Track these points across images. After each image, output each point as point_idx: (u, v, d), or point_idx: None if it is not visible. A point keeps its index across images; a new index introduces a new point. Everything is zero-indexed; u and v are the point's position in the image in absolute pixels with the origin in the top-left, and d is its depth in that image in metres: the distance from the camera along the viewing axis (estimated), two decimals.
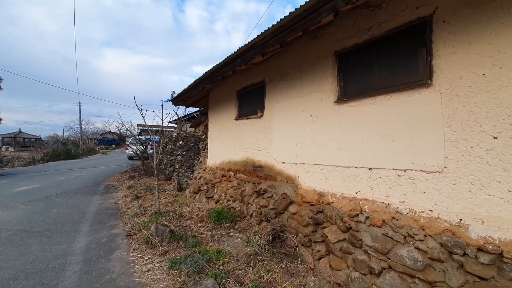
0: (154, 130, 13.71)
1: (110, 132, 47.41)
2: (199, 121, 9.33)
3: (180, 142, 9.50)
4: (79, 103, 32.38)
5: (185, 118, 14.56)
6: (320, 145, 3.42)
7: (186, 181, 7.81)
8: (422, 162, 2.35)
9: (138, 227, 4.28)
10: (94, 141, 30.96)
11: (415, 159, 2.39)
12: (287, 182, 3.95)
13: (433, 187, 2.27)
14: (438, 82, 2.27)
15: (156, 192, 5.13)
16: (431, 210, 2.27)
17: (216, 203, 5.28)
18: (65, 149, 20.75)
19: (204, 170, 6.68)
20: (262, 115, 4.59)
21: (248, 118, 5.00)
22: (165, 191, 7.25)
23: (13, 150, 24.95)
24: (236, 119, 5.38)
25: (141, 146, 11.81)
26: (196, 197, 6.26)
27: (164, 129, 13.30)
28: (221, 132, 6.02)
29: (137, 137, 12.61)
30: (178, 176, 8.80)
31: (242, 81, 5.21)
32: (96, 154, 25.02)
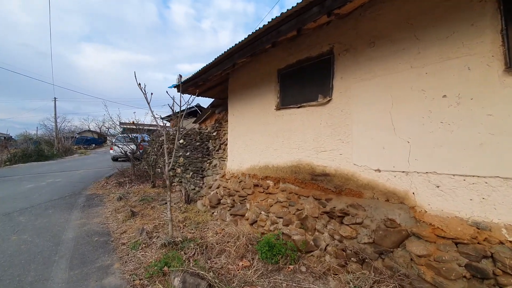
0: (145, 128, 11.90)
1: (89, 130, 44.24)
2: (208, 114, 7.74)
3: (181, 141, 7.89)
4: (55, 98, 29.25)
5: (182, 113, 12.86)
6: (467, 144, 2.07)
7: (194, 189, 6.23)
8: None
9: (148, 272, 2.72)
10: (71, 140, 28.00)
11: None
12: (387, 200, 2.56)
13: None
14: None
15: (169, 212, 3.55)
16: None
17: (251, 225, 3.80)
18: (37, 149, 18.14)
19: (223, 176, 5.16)
20: (328, 101, 3.18)
21: (299, 107, 3.57)
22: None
23: None
24: (277, 109, 3.93)
25: (130, 145, 9.98)
26: (214, 213, 4.73)
27: (153, 127, 11.51)
28: (249, 127, 4.53)
29: (127, 134, 10.73)
30: (181, 182, 7.18)
31: (285, 57, 3.78)
32: (74, 155, 22.39)
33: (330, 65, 3.20)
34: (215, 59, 4.01)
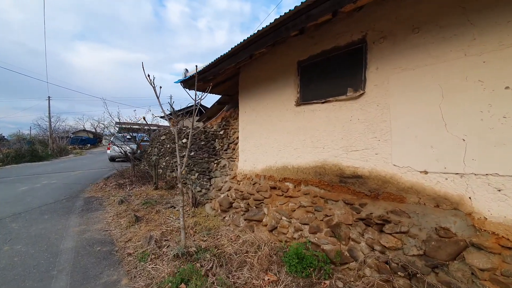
0: (145, 128, 11.43)
1: (84, 130, 43.40)
2: (213, 112, 7.38)
3: (184, 140, 7.52)
4: (48, 97, 28.50)
5: (181, 112, 12.42)
6: None
7: (201, 191, 5.87)
8: None
9: None
10: (66, 140, 27.29)
11: None
12: (436, 206, 2.26)
13: None
14: None
15: (181, 219, 3.20)
16: None
17: (271, 231, 3.47)
18: (30, 149, 17.52)
19: (234, 178, 4.82)
20: (361, 95, 2.86)
21: (324, 102, 3.25)
22: (174, 207, 5.27)
23: None
24: (298, 105, 3.60)
25: (130, 145, 9.55)
26: (226, 218, 4.39)
27: (153, 126, 11.09)
28: (264, 124, 4.20)
29: (127, 133, 10.29)
30: (186, 184, 6.82)
31: (307, 47, 3.46)
32: (69, 155, 21.77)
33: (362, 55, 2.89)
34: (229, 50, 3.67)
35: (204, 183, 5.87)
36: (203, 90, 5.68)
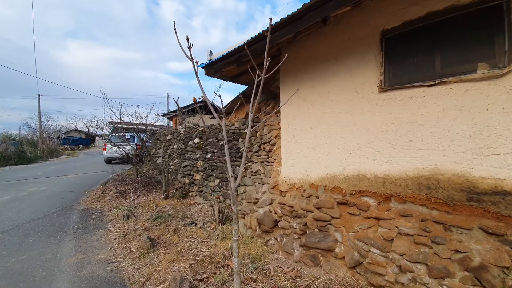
0: (140, 127, 10.23)
1: (76, 130, 41.68)
2: (232, 106, 6.34)
3: (195, 140, 6.47)
4: (38, 95, 26.91)
5: (185, 110, 11.27)
6: None
7: (224, 201, 4.84)
8: None
9: None
10: (57, 141, 25.72)
11: None
12: None
13: None
14: None
15: (235, 259, 2.14)
16: None
17: (352, 269, 2.46)
18: (17, 151, 16.11)
19: (274, 187, 3.80)
20: (507, 72, 1.89)
21: (433, 84, 2.27)
22: (195, 224, 4.22)
23: None
24: (383, 91, 2.61)
25: (131, 145, 8.41)
26: (270, 242, 3.37)
27: (148, 127, 9.87)
28: (321, 118, 3.20)
29: (128, 133, 9.13)
30: (202, 192, 5.77)
31: (399, 10, 2.47)
32: (60, 157, 20.34)
33: (500, 16, 1.92)
34: (287, 15, 2.65)
35: (228, 192, 4.83)
36: (230, 78, 4.66)
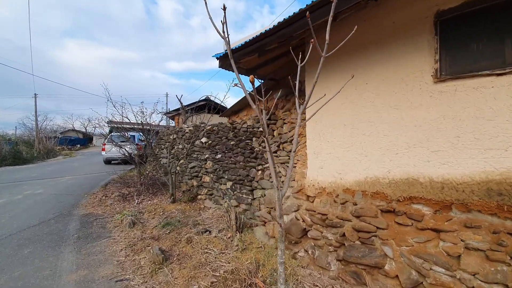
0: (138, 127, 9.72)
1: (73, 130, 41.00)
2: (241, 105, 5.94)
3: (203, 140, 6.07)
4: (35, 94, 26.34)
5: (189, 108, 10.81)
6: None
7: (238, 206, 4.45)
8: None
9: None
10: (54, 141, 25.12)
11: None
12: None
13: None
14: None
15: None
16: None
17: None
18: (13, 151, 15.56)
19: (299, 191, 3.41)
20: None
21: (502, 74, 1.91)
22: (209, 232, 3.82)
23: None
24: (439, 81, 2.24)
25: (133, 144, 7.97)
26: (299, 254, 2.99)
27: (152, 126, 9.37)
28: (358, 113, 2.82)
29: (130, 132, 8.67)
30: (212, 195, 5.37)
31: None
32: (57, 157, 19.79)
33: None
34: None
35: (243, 196, 4.44)
36: (247, 71, 4.26)
